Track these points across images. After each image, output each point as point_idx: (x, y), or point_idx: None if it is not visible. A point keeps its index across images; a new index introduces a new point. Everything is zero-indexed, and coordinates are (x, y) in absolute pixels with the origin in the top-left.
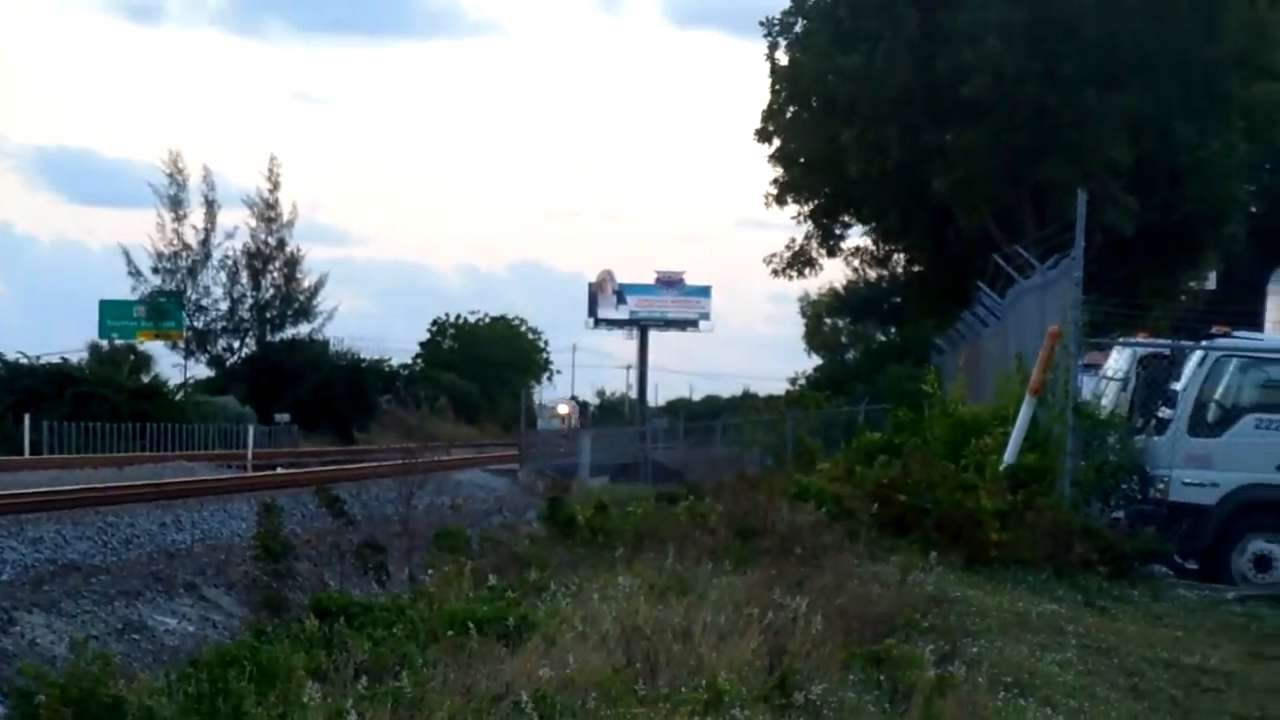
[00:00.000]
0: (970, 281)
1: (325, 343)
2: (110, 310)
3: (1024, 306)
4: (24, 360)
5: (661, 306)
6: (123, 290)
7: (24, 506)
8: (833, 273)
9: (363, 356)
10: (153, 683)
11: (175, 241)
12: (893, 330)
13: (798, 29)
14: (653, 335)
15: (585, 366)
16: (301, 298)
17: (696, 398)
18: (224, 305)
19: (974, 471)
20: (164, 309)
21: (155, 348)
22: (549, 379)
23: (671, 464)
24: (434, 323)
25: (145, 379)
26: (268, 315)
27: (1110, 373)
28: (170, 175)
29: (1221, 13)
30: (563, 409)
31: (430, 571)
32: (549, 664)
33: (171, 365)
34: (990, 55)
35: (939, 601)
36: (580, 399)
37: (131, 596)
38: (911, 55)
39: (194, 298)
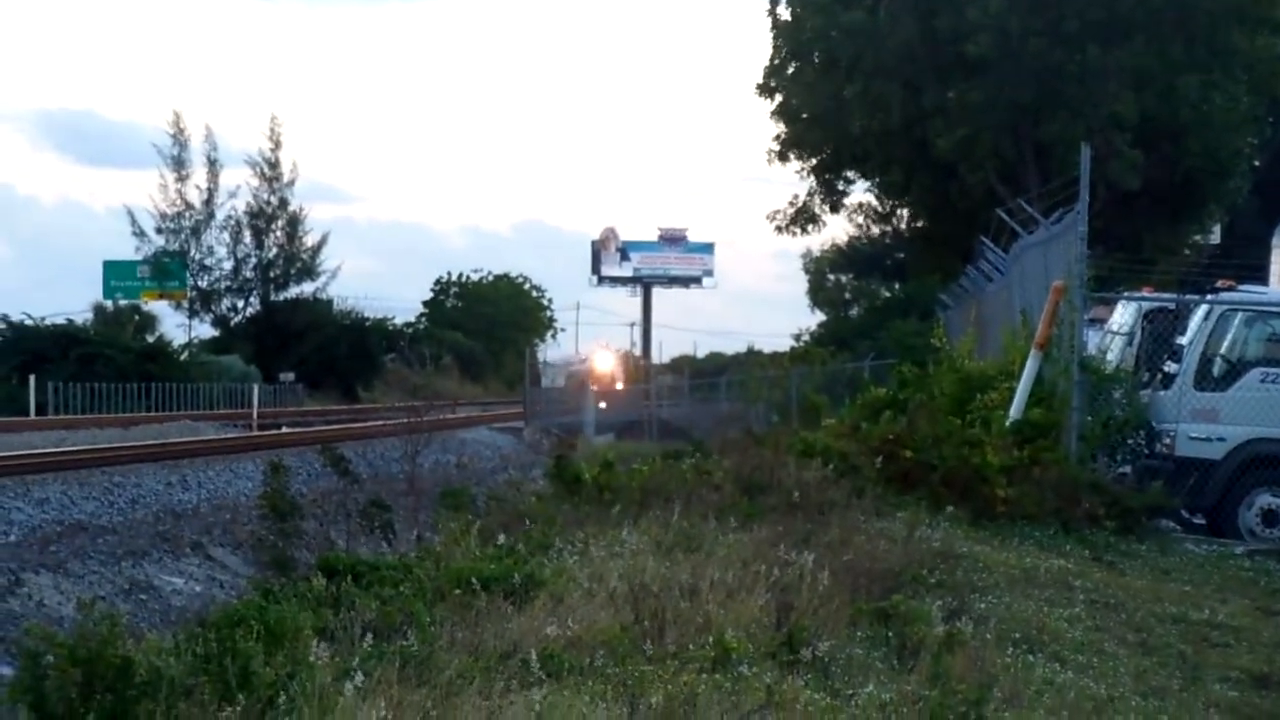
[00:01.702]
0: (974, 237)
1: (329, 302)
2: (114, 271)
3: (1028, 262)
4: (29, 321)
5: (665, 263)
6: (127, 251)
7: (30, 467)
8: (836, 229)
9: (366, 315)
10: (161, 643)
11: (178, 202)
12: (897, 286)
13: None
14: (656, 292)
15: (589, 324)
16: (304, 257)
17: (701, 355)
18: (227, 265)
19: (980, 427)
20: (168, 269)
21: (159, 308)
22: (553, 337)
23: (677, 421)
24: (437, 282)
25: (150, 339)
26: (271, 274)
27: (1115, 327)
28: (173, 135)
29: None
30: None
31: (437, 530)
32: (556, 622)
33: (176, 325)
34: (993, 12)
35: (946, 557)
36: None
37: (138, 556)
38: (914, 12)
39: (198, 257)
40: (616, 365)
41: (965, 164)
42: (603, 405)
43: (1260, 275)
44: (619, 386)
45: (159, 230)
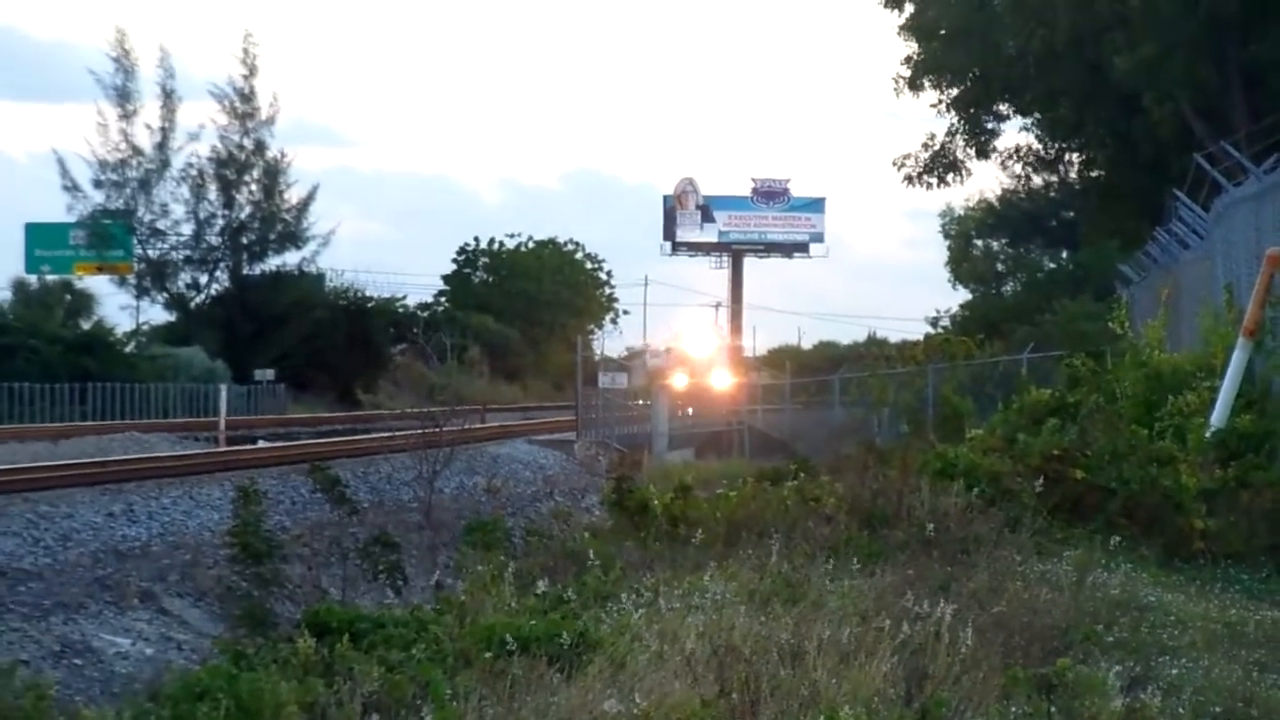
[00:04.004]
0: (1164, 190)
1: (320, 276)
2: (40, 236)
3: (1235, 222)
4: None
5: (761, 225)
6: (56, 210)
7: None
8: (985, 179)
9: (369, 294)
10: None
11: (123, 146)
12: (1064, 255)
13: None
14: (749, 263)
15: (661, 305)
16: (287, 217)
17: (807, 345)
18: (186, 229)
19: (1173, 439)
20: (109, 234)
21: (98, 284)
22: (614, 321)
23: (775, 432)
24: (462, 250)
25: (86, 325)
26: (243, 241)
27: None
28: (116, 59)
29: None
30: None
31: (460, 574)
32: (617, 695)
33: (119, 307)
34: None
35: (1127, 608)
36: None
37: (71, 609)
38: None
39: (148, 219)
40: (718, 353)
41: (1152, 93)
42: (689, 411)
43: None
44: (725, 382)
45: (97, 183)
